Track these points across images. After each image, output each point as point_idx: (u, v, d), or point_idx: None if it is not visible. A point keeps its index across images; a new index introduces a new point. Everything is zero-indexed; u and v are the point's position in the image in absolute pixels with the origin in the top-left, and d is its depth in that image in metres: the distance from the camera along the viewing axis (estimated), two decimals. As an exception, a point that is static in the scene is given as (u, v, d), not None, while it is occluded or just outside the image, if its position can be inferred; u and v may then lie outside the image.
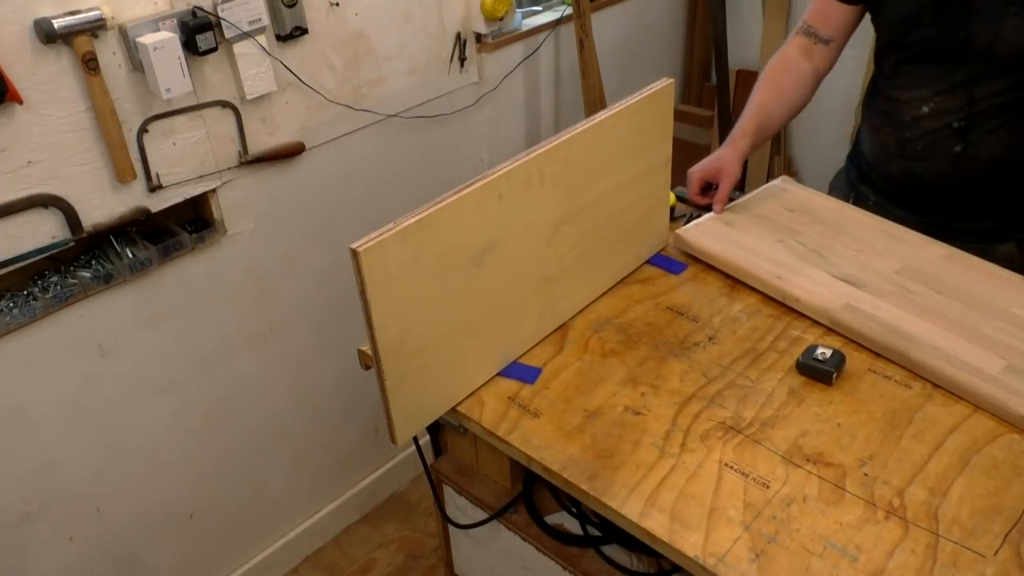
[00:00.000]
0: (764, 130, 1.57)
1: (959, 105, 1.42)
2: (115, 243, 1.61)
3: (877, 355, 1.25)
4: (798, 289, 1.34)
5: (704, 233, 1.48)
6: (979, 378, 1.17)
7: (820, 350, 1.22)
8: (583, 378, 1.23)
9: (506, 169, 1.13)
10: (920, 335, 1.24)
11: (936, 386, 1.19)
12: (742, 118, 1.58)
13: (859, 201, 1.64)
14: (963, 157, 1.44)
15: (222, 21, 1.54)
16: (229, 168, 1.70)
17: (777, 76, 1.60)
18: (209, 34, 1.51)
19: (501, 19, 2.06)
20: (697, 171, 1.55)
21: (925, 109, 1.45)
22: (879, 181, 1.60)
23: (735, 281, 1.42)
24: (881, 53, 1.56)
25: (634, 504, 1.04)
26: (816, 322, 1.32)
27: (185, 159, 1.62)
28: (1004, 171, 1.45)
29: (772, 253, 1.42)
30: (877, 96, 1.57)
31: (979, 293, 1.31)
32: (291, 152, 1.79)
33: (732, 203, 1.56)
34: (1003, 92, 1.38)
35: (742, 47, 2.77)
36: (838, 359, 1.21)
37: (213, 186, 1.69)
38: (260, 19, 1.59)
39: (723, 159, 1.53)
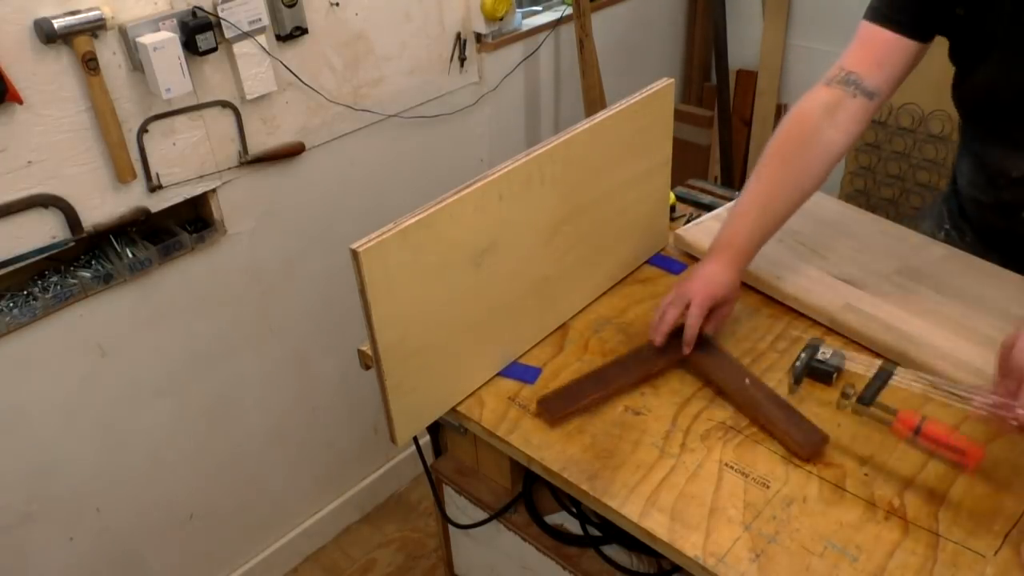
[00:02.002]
0: (766, 231, 1.22)
1: None
2: (115, 243, 1.61)
3: (877, 355, 1.25)
4: (798, 289, 1.34)
5: (704, 233, 1.47)
6: (979, 379, 1.16)
7: (820, 350, 1.21)
8: (583, 378, 1.23)
9: (506, 169, 1.13)
10: (920, 335, 1.24)
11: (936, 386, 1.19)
12: (733, 217, 1.23)
13: (956, 232, 1.46)
14: None
15: (222, 21, 1.54)
16: (229, 168, 1.70)
17: (789, 150, 1.22)
18: (209, 34, 1.51)
19: (501, 19, 2.06)
20: (700, 294, 1.17)
21: (1015, 174, 1.25)
22: (978, 225, 1.42)
23: (735, 281, 1.42)
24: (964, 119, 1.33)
25: (634, 504, 1.04)
26: (816, 322, 1.32)
27: (185, 159, 1.62)
28: None
29: (771, 253, 1.42)
30: (964, 155, 1.38)
31: (979, 293, 1.31)
32: (291, 152, 1.79)
33: (730, 204, 1.55)
34: None
35: (742, 47, 2.77)
36: (838, 359, 1.21)
37: (213, 186, 1.69)
38: (260, 19, 1.59)
39: (728, 285, 1.19)
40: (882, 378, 1.08)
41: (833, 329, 1.30)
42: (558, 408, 1.15)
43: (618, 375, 1.20)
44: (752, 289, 1.40)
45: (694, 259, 1.47)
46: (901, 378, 1.08)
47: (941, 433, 1.02)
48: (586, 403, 1.17)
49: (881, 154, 2.55)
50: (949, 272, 1.36)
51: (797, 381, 1.14)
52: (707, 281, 1.18)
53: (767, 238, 1.23)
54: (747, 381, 1.17)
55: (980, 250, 1.40)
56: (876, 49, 1.20)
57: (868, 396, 1.06)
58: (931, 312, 1.28)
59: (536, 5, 2.34)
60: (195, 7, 1.51)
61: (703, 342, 1.22)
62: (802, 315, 1.34)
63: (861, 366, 1.13)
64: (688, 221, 1.54)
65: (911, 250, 1.42)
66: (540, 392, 1.21)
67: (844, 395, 1.06)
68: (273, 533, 2.18)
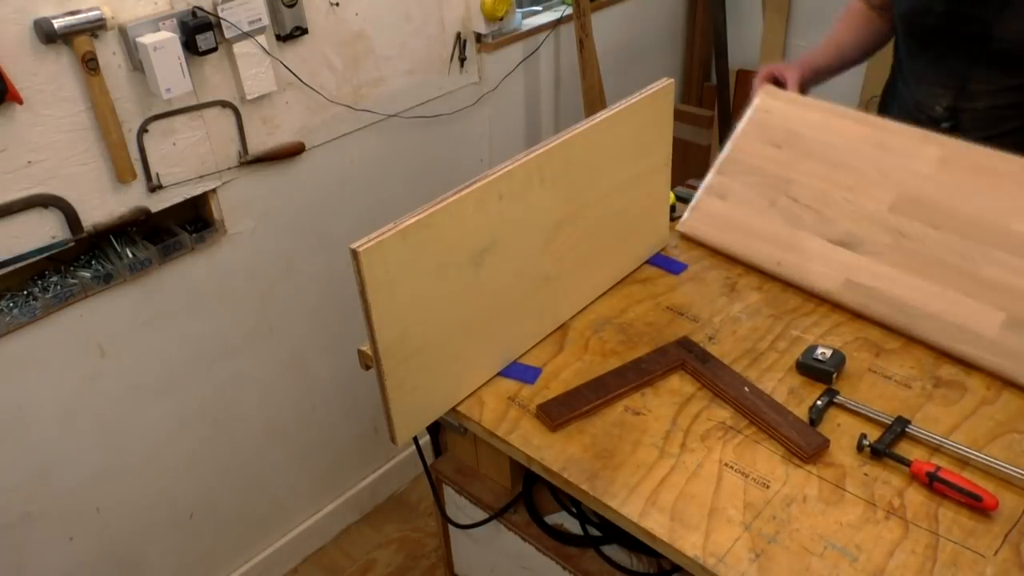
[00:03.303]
0: (833, 57, 1.64)
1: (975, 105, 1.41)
2: (115, 243, 1.61)
3: (877, 355, 1.26)
4: (798, 273, 1.37)
5: (701, 220, 1.48)
6: (980, 348, 1.20)
7: (820, 350, 1.22)
8: (583, 378, 1.23)
9: (506, 169, 1.13)
10: (919, 304, 1.25)
11: (936, 386, 1.20)
12: (808, 51, 1.66)
13: None
14: None
15: (222, 21, 1.54)
16: (229, 168, 1.70)
17: (848, 20, 1.66)
18: (209, 34, 1.51)
19: (501, 19, 2.06)
20: (764, 68, 1.61)
21: (939, 109, 1.44)
22: None
23: (735, 281, 1.42)
24: (897, 43, 1.56)
25: (634, 504, 1.04)
26: (816, 322, 1.32)
27: (185, 159, 1.62)
28: None
29: (767, 225, 1.41)
30: (896, 91, 1.56)
31: (977, 212, 1.25)
32: (291, 152, 1.79)
33: (721, 157, 1.53)
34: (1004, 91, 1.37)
35: (742, 47, 2.77)
36: (838, 359, 1.21)
37: (213, 186, 1.69)
38: (260, 19, 1.59)
39: (790, 63, 1.61)
40: (896, 430, 1.10)
41: (839, 305, 1.33)
42: (558, 415, 1.15)
43: (618, 384, 1.20)
44: (752, 289, 1.40)
45: (695, 255, 1.47)
46: (916, 431, 1.11)
47: (958, 480, 1.03)
48: (586, 410, 1.17)
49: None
50: (945, 188, 1.29)
51: (814, 423, 1.15)
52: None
53: (831, 61, 1.63)
54: (746, 389, 1.18)
55: None
56: None
57: (882, 446, 1.08)
58: (929, 264, 1.26)
59: (536, 5, 2.33)
60: (195, 7, 1.51)
61: (703, 356, 1.24)
62: (802, 315, 1.34)
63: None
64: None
65: (904, 163, 1.34)
66: (540, 392, 1.21)
67: (859, 446, 1.10)
68: (273, 533, 2.18)
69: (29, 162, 1.42)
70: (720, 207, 1.48)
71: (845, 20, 1.67)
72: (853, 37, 1.65)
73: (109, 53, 1.44)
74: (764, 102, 1.52)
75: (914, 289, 1.26)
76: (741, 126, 1.54)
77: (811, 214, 1.39)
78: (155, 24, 1.46)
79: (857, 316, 1.32)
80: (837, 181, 1.39)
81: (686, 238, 1.51)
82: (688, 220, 1.49)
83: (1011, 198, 1.24)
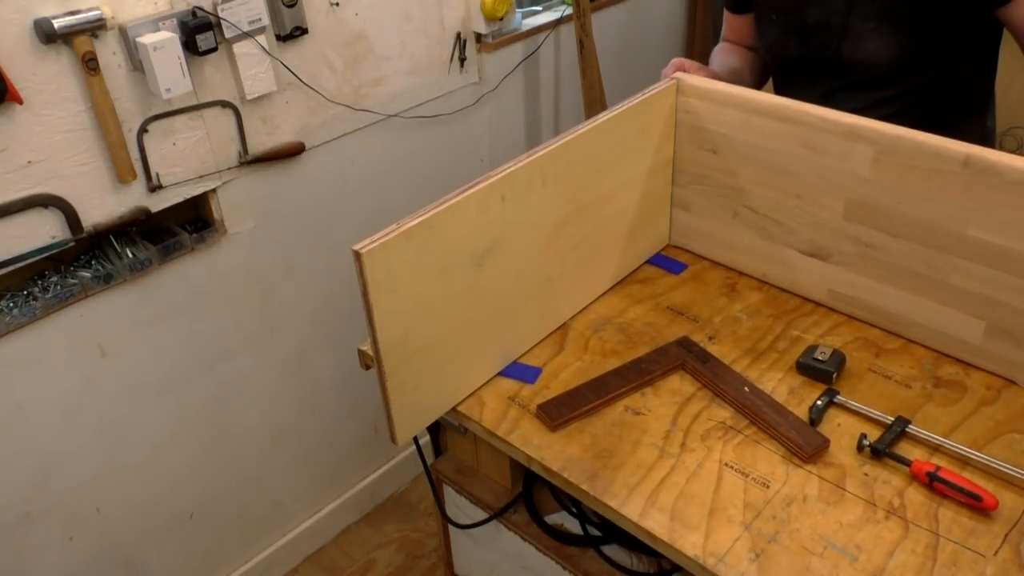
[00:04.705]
0: (728, 78, 1.51)
1: None
2: (115, 243, 1.61)
3: (877, 355, 1.26)
4: (786, 283, 1.39)
5: (681, 232, 1.49)
6: (969, 354, 1.22)
7: (820, 350, 1.22)
8: (583, 378, 1.23)
9: (509, 170, 1.13)
10: (903, 313, 1.26)
11: (936, 386, 1.20)
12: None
13: None
14: None
15: (222, 21, 1.54)
16: (229, 168, 1.70)
17: (728, 51, 1.63)
18: (209, 34, 1.51)
19: (501, 19, 2.06)
20: (676, 61, 1.46)
21: None
22: None
23: (735, 281, 1.43)
24: (774, 78, 1.62)
25: (634, 504, 1.04)
26: (816, 322, 1.32)
27: (185, 159, 1.62)
28: None
29: (739, 237, 1.42)
30: None
31: (929, 219, 1.20)
32: (291, 152, 1.79)
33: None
34: (865, 109, 1.37)
35: (742, 47, 2.77)
36: (838, 359, 1.21)
37: (213, 186, 1.69)
38: (260, 19, 1.59)
39: (703, 66, 1.49)
40: (896, 430, 1.11)
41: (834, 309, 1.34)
42: (558, 414, 1.16)
43: (618, 384, 1.20)
44: (752, 289, 1.40)
45: (696, 258, 1.48)
46: (916, 431, 1.11)
47: (958, 479, 1.03)
48: (586, 410, 1.17)
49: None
50: (891, 193, 1.22)
51: (814, 423, 1.15)
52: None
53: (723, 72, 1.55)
54: (746, 389, 1.18)
55: None
56: (728, 21, 1.66)
57: (882, 446, 1.09)
58: (899, 273, 1.25)
59: (536, 5, 2.33)
60: (195, 7, 1.51)
61: (703, 356, 1.24)
62: (802, 315, 1.34)
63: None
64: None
65: (840, 166, 1.26)
66: (540, 392, 1.21)
67: (859, 446, 1.10)
68: (273, 533, 2.18)
69: (29, 162, 1.42)
70: (690, 220, 1.48)
71: (725, 52, 1.63)
72: (740, 60, 1.61)
73: (109, 53, 1.44)
74: (681, 102, 1.42)
75: (894, 299, 1.26)
76: (671, 131, 1.45)
77: (773, 224, 1.37)
78: (155, 24, 1.46)
79: (852, 318, 1.33)
80: (783, 188, 1.33)
81: (678, 247, 1.52)
82: (671, 234, 1.51)
83: (957, 203, 1.17)
